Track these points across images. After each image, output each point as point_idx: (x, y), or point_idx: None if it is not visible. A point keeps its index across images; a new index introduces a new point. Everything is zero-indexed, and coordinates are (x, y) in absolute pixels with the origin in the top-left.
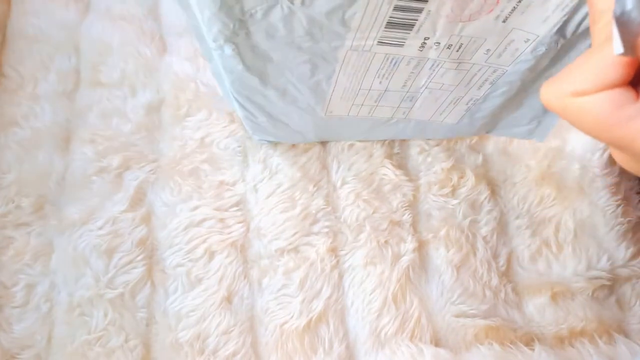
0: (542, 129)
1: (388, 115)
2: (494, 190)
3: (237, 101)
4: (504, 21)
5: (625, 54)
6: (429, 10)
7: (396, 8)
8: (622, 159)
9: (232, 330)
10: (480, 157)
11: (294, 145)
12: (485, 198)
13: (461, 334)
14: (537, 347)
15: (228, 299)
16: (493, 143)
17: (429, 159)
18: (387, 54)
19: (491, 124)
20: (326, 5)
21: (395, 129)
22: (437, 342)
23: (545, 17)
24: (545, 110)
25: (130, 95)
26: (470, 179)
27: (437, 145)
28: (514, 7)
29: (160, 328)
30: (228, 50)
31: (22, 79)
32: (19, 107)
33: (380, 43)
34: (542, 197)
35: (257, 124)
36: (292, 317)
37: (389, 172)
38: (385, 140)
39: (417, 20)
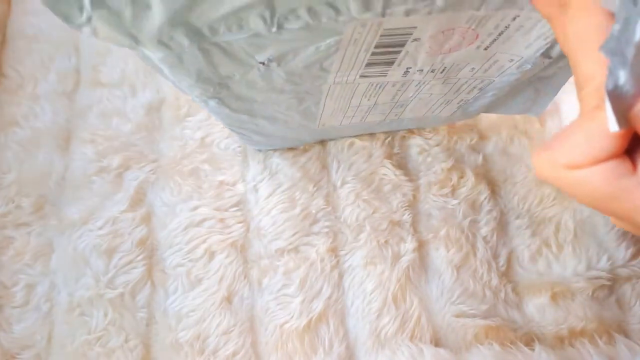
0: (537, 107)
1: (380, 119)
2: (494, 190)
3: (229, 128)
4: (485, 49)
5: (619, 128)
6: (407, 51)
7: (374, 54)
8: (621, 225)
9: (232, 331)
10: (480, 157)
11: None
12: (485, 198)
13: (461, 334)
14: (537, 347)
15: (228, 299)
16: (493, 143)
17: (429, 159)
18: (371, 82)
19: (486, 111)
20: (302, 62)
21: (390, 125)
22: (437, 342)
23: (527, 44)
24: (538, 94)
25: (130, 95)
26: (470, 179)
27: (437, 145)
28: (494, 39)
29: (160, 328)
30: (212, 103)
31: (22, 79)
32: (19, 107)
33: (363, 77)
34: (542, 197)
35: (253, 140)
36: (292, 317)
37: (389, 172)
38: (385, 140)
39: (396, 58)
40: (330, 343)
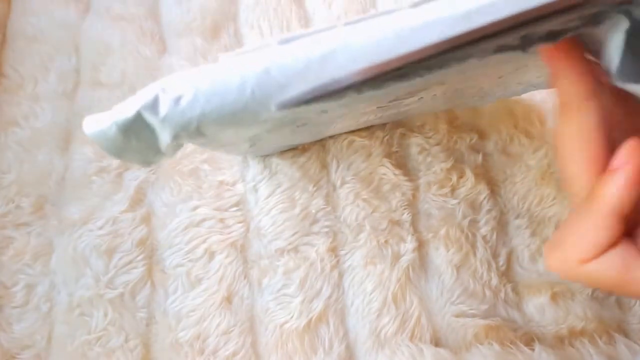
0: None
1: (381, 121)
2: (493, 190)
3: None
4: (499, 78)
5: None
6: (421, 97)
7: (397, 98)
8: None
9: (232, 331)
10: (480, 157)
11: None
12: (485, 198)
13: (461, 334)
14: (537, 347)
15: (228, 299)
16: (493, 143)
17: (429, 159)
18: (385, 107)
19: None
20: (331, 116)
21: (389, 119)
22: (437, 342)
23: (539, 75)
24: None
25: (130, 95)
26: (469, 178)
27: (437, 144)
28: (510, 72)
29: (160, 328)
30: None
31: (22, 79)
32: (19, 107)
33: (379, 107)
34: (542, 196)
35: (253, 154)
36: (292, 317)
37: (388, 172)
38: (384, 139)
39: (410, 98)
40: (330, 343)
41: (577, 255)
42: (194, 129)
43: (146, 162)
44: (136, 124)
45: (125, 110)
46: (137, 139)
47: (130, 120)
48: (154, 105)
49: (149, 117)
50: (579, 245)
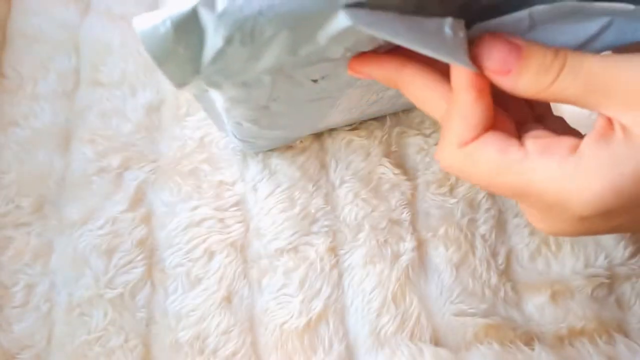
0: None
1: (378, 109)
2: None
3: (239, 139)
4: None
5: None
6: None
7: None
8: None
9: (231, 330)
10: None
11: (291, 144)
12: (484, 197)
13: (461, 333)
14: (537, 346)
15: (228, 299)
16: None
17: (427, 158)
18: None
19: None
20: (348, 75)
21: (381, 112)
22: (436, 341)
23: None
24: None
25: (130, 95)
26: None
27: (436, 144)
28: None
29: (160, 328)
30: (247, 125)
31: (22, 79)
32: (18, 107)
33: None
34: None
35: (256, 145)
36: (292, 316)
37: (387, 171)
38: (382, 138)
39: None
40: (330, 342)
41: (456, 138)
42: (249, 32)
43: (182, 82)
44: (189, 23)
45: (181, 6)
46: (185, 44)
47: (185, 16)
48: (211, 1)
49: (204, 15)
50: (455, 129)
